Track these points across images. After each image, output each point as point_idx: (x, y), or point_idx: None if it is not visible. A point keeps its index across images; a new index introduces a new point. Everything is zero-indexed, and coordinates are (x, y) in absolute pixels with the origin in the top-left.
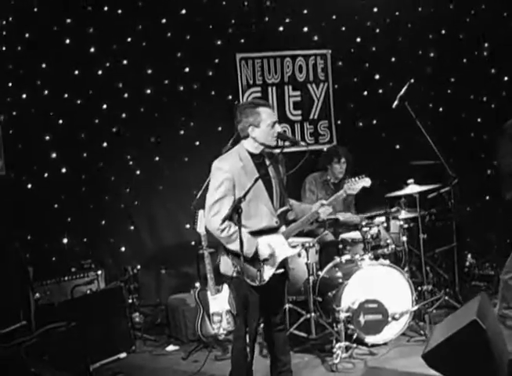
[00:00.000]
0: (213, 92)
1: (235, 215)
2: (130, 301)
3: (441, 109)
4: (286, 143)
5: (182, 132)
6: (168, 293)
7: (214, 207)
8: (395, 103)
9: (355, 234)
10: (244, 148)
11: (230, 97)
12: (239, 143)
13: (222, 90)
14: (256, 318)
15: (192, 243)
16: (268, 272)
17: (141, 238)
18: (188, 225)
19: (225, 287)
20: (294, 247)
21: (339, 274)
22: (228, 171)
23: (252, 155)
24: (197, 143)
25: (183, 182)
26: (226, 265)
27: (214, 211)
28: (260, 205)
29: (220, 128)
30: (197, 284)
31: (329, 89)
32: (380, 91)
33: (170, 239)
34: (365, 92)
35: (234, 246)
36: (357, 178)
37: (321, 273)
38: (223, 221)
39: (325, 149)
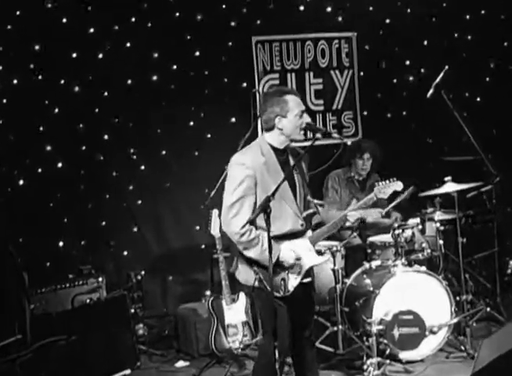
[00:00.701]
0: (226, 79)
1: (263, 216)
2: (133, 311)
3: (478, 98)
4: (317, 135)
5: (191, 123)
6: (176, 302)
7: (233, 207)
8: (430, 91)
9: (386, 237)
10: (266, 142)
11: (245, 85)
12: (259, 137)
13: (236, 77)
14: (288, 333)
15: (203, 246)
16: (293, 281)
17: (145, 241)
18: (198, 227)
19: (242, 295)
20: (322, 253)
21: (368, 282)
22: (251, 168)
23: (275, 150)
24: (208, 136)
25: (193, 179)
26: (246, 274)
27: (233, 212)
28: (285, 206)
29: (233, 120)
30: (208, 293)
31: (355, 76)
32: (411, 78)
33: (178, 242)
34: (395, 80)
35: (253, 252)
36: (388, 182)
37: (348, 281)
38: (245, 224)
39: (349, 143)
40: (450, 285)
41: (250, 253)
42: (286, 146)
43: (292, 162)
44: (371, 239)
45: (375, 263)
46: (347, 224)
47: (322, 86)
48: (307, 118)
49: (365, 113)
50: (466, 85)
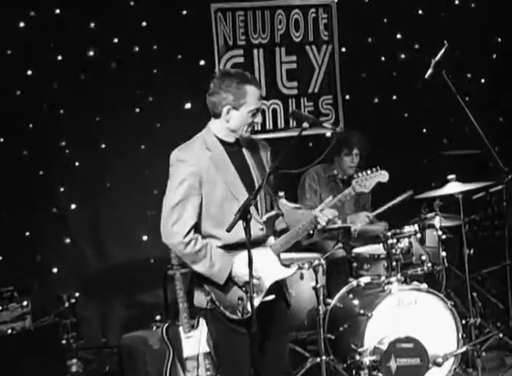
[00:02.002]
0: (179, 56)
1: (242, 223)
2: (65, 342)
3: (483, 80)
4: (305, 125)
5: (137, 110)
6: (120, 330)
7: (173, 212)
8: (429, 71)
9: (375, 248)
10: (212, 133)
11: (202, 63)
12: (204, 129)
13: (192, 53)
14: (247, 367)
15: (153, 260)
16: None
17: (81, 255)
18: (146, 237)
19: (203, 321)
20: (288, 265)
21: (356, 302)
22: (194, 164)
23: (223, 143)
24: (158, 125)
25: (139, 179)
26: (199, 294)
27: (173, 218)
28: (237, 208)
29: (189, 105)
30: (159, 317)
31: (335, 53)
32: (403, 56)
33: (122, 255)
34: (383, 58)
35: (202, 266)
36: (369, 172)
37: (331, 301)
38: (189, 230)
39: (329, 134)
40: (454, 306)
41: (199, 267)
42: (236, 138)
43: (246, 154)
44: (357, 250)
45: (364, 280)
46: (319, 227)
47: (296, 65)
48: (259, 119)
49: (347, 97)
50: (467, 64)
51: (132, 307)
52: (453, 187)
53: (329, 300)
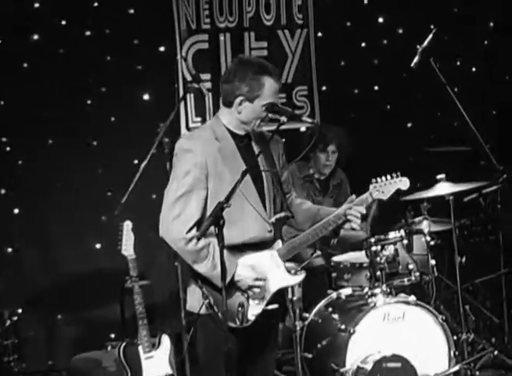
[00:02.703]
0: (136, 41)
1: (213, 229)
2: (4, 365)
3: (474, 68)
4: (282, 118)
5: (88, 102)
6: (69, 351)
7: (175, 206)
8: (416, 59)
9: (356, 256)
10: (222, 123)
11: (162, 49)
12: (213, 117)
13: (151, 38)
14: None
15: (106, 271)
16: (254, 308)
17: (24, 266)
18: (99, 245)
19: (165, 339)
20: (296, 272)
21: (336, 317)
22: (200, 155)
23: (233, 135)
24: (112, 119)
25: (92, 178)
26: (193, 297)
27: (175, 212)
28: (246, 206)
29: (147, 97)
30: (113, 336)
31: (310, 39)
32: (385, 41)
33: (71, 266)
34: (364, 44)
35: (203, 267)
36: (389, 177)
37: (308, 316)
38: (191, 227)
39: (303, 128)
40: (445, 321)
41: (200, 267)
42: (247, 131)
43: (256, 149)
44: (337, 259)
45: (345, 292)
46: (347, 229)
47: (267, 52)
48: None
49: (323, 88)
50: (456, 51)
51: (84, 324)
52: (443, 188)
53: (306, 314)
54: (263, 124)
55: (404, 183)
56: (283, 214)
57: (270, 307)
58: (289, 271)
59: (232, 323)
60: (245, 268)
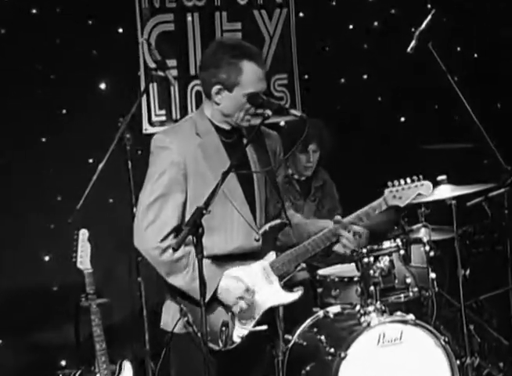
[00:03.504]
0: (90, 22)
1: (192, 238)
2: None
3: (475, 55)
4: (267, 112)
5: (38, 92)
6: None
7: (149, 211)
8: (412, 43)
9: (345, 269)
10: (205, 116)
11: (121, 31)
12: (197, 110)
13: (106, 18)
14: None
15: (56, 288)
16: (241, 328)
17: None
18: (48, 257)
19: (127, 366)
20: (291, 288)
21: (323, 339)
22: (178, 152)
23: (218, 129)
24: (64, 112)
25: (40, 180)
26: (168, 313)
27: (149, 218)
28: (231, 212)
29: (103, 86)
30: (64, 363)
31: (291, 20)
32: (376, 23)
33: (15, 281)
34: (351, 26)
35: (180, 279)
36: (408, 181)
37: (291, 338)
38: (167, 235)
39: (282, 123)
40: (448, 343)
41: (176, 280)
42: (235, 126)
43: (248, 147)
44: (323, 272)
45: (333, 310)
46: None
47: (241, 34)
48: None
49: (305, 76)
50: (457, 36)
51: (30, 350)
52: (444, 191)
53: (288, 336)
54: (249, 117)
55: (426, 188)
56: (278, 221)
57: (259, 328)
58: (283, 287)
59: (214, 345)
60: (231, 279)
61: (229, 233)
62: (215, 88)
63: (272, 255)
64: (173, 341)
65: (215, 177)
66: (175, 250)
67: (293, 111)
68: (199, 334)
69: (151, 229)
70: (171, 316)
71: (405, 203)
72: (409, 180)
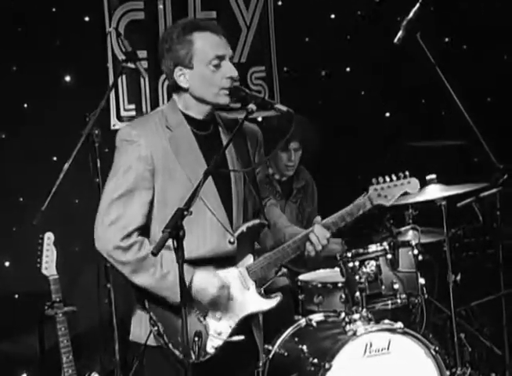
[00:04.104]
0: (53, 9)
1: (172, 241)
2: None
3: (465, 46)
4: (250, 106)
5: None
6: None
7: (112, 208)
8: (399, 34)
9: (328, 274)
10: (178, 108)
11: (87, 19)
12: (168, 102)
13: (72, 6)
14: None
15: (17, 296)
16: (215, 339)
17: None
18: (8, 263)
19: None
20: (269, 294)
21: (306, 349)
22: (145, 146)
23: (191, 120)
24: (25, 106)
25: (0, 179)
26: (139, 326)
27: (111, 216)
28: (203, 212)
29: (68, 78)
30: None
31: (269, 8)
32: (359, 12)
33: None
34: (333, 15)
35: (146, 278)
36: (394, 178)
37: (272, 348)
38: (129, 233)
39: (259, 118)
40: (439, 353)
41: (144, 279)
42: (211, 116)
43: (225, 140)
44: (304, 277)
45: (316, 317)
46: (307, 253)
47: (216, 23)
48: (230, 71)
49: (285, 69)
50: (444, 25)
51: None
52: (434, 191)
53: (268, 346)
54: (225, 92)
55: (413, 186)
56: (256, 221)
57: (235, 338)
58: (261, 293)
59: (186, 357)
60: (206, 275)
61: (202, 236)
62: (176, 71)
63: (249, 258)
64: (146, 354)
65: (185, 172)
66: (155, 254)
67: (278, 106)
68: (170, 346)
69: (114, 228)
70: (143, 328)
71: (390, 202)
72: (394, 177)
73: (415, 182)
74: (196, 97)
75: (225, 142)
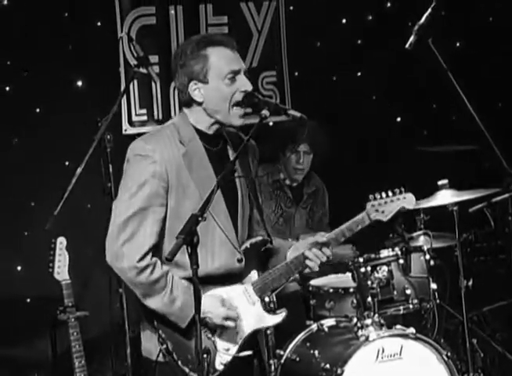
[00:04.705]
0: (66, 14)
1: (186, 249)
2: None
3: (476, 51)
4: (264, 112)
5: (7, 89)
6: None
7: (127, 226)
8: (411, 39)
9: (340, 280)
10: (188, 122)
11: (99, 24)
12: (177, 115)
13: (84, 11)
14: None
15: (29, 300)
16: (223, 355)
17: None
18: (20, 267)
19: None
20: (274, 310)
21: (317, 354)
22: (160, 162)
23: (202, 136)
24: (37, 111)
25: (11, 185)
26: (149, 342)
27: (126, 234)
28: (212, 229)
29: (80, 83)
30: None
31: (280, 13)
32: (371, 17)
33: None
34: (344, 20)
35: (158, 302)
36: (390, 194)
37: (283, 353)
38: (145, 253)
39: (271, 123)
40: (451, 358)
41: (153, 302)
42: (220, 131)
43: (232, 155)
44: (315, 283)
45: (327, 323)
46: (306, 271)
47: (228, 29)
48: (245, 85)
49: (296, 74)
50: (456, 30)
51: (3, 367)
52: (446, 196)
53: (280, 351)
54: (239, 112)
55: (409, 201)
56: (259, 238)
57: (243, 354)
58: (266, 309)
59: (195, 374)
60: (213, 301)
61: (210, 252)
62: (191, 85)
63: (253, 275)
64: (156, 369)
65: (198, 189)
66: (169, 260)
67: (291, 112)
68: (179, 363)
69: (128, 247)
70: (153, 344)
71: (387, 217)
72: (390, 193)
73: (410, 197)
74: (209, 112)
75: (231, 157)
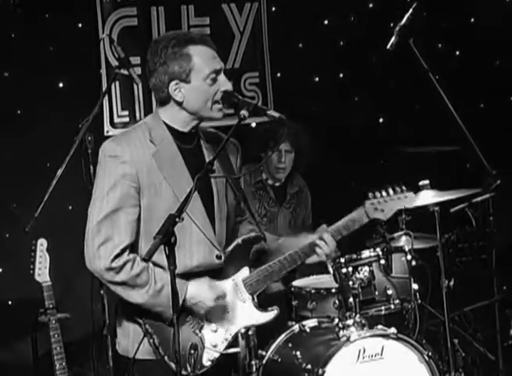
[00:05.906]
0: (46, 15)
1: (164, 249)
2: None
3: (457, 52)
4: (243, 112)
5: None
6: None
7: (100, 229)
8: (392, 39)
9: (322, 280)
10: (161, 121)
11: (80, 25)
12: (150, 114)
13: (64, 12)
14: None
15: (10, 302)
16: (211, 351)
17: None
18: (1, 269)
19: None
20: (265, 308)
21: (299, 355)
22: (130, 163)
23: (175, 134)
24: (18, 112)
25: None
26: (126, 337)
27: (100, 237)
28: (189, 227)
29: (61, 84)
30: None
31: (262, 14)
32: (353, 18)
33: None
34: (326, 21)
35: (141, 296)
36: (391, 192)
37: (265, 354)
38: (118, 253)
39: (253, 124)
40: (432, 358)
41: (139, 296)
42: (195, 129)
43: (207, 154)
44: (298, 283)
45: (309, 323)
46: (312, 260)
47: (210, 30)
48: (225, 84)
49: (278, 75)
50: (438, 31)
51: None
52: (427, 197)
53: (261, 352)
54: (219, 106)
55: (410, 200)
56: (252, 234)
57: (231, 350)
58: (257, 306)
59: (182, 371)
60: (199, 285)
61: (188, 251)
62: (172, 85)
63: (245, 271)
64: (136, 368)
65: (171, 187)
66: (146, 260)
67: (271, 112)
68: (165, 358)
69: (103, 250)
70: (130, 341)
71: (387, 216)
72: (391, 191)
73: (412, 196)
74: (189, 111)
75: (206, 156)
